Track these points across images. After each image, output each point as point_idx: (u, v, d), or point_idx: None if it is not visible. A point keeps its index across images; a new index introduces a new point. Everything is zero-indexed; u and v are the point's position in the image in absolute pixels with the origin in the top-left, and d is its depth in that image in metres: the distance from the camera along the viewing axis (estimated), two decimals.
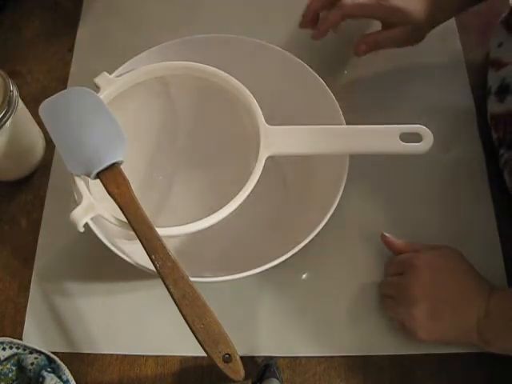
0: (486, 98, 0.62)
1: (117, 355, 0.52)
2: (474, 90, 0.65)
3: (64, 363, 0.50)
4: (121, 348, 0.53)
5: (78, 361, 0.52)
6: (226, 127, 0.53)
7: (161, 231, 0.43)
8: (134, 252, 0.46)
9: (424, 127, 0.46)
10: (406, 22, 0.57)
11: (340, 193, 0.47)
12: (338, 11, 0.56)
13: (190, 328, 0.40)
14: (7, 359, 0.50)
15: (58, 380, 0.48)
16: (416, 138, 0.46)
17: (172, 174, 0.58)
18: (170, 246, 0.42)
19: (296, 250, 0.45)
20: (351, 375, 0.51)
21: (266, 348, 0.52)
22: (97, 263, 0.55)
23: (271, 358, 0.50)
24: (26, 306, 0.54)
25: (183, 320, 0.40)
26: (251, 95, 0.48)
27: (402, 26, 0.57)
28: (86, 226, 0.44)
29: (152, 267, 0.42)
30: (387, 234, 0.54)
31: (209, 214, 0.44)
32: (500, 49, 0.62)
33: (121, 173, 0.45)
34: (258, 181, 0.45)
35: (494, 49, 0.63)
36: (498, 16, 0.65)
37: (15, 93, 0.52)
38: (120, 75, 0.51)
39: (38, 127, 0.59)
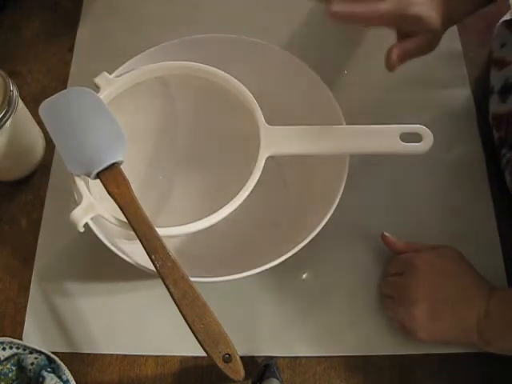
0: (488, 97, 0.61)
1: (117, 355, 0.52)
2: (474, 90, 0.65)
3: (64, 363, 0.50)
4: (121, 348, 0.53)
5: (78, 361, 0.52)
6: (225, 127, 0.53)
7: (161, 231, 0.43)
8: (133, 252, 0.46)
9: (424, 127, 0.46)
10: (424, 30, 0.51)
11: (340, 193, 0.47)
12: (374, 15, 0.48)
13: (190, 328, 0.40)
14: (7, 359, 0.50)
15: (58, 380, 0.48)
16: (416, 137, 0.46)
17: (172, 173, 0.58)
18: (170, 246, 0.42)
19: (296, 249, 0.45)
20: (351, 375, 0.51)
21: (266, 348, 0.52)
22: (97, 263, 0.55)
23: (271, 358, 0.50)
24: (25, 306, 0.54)
25: (183, 320, 0.40)
26: (251, 95, 0.48)
27: (423, 33, 0.51)
28: (86, 226, 0.44)
29: (152, 267, 0.42)
30: (387, 234, 0.54)
31: (209, 214, 0.44)
32: (503, 49, 0.62)
33: (121, 173, 0.45)
34: (258, 181, 0.45)
35: (496, 49, 0.63)
36: (498, 16, 0.65)
37: (15, 93, 0.52)
38: (120, 75, 0.50)
39: (38, 127, 0.59)
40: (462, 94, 0.65)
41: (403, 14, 0.48)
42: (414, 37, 0.52)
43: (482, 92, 0.64)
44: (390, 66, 0.51)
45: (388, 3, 0.47)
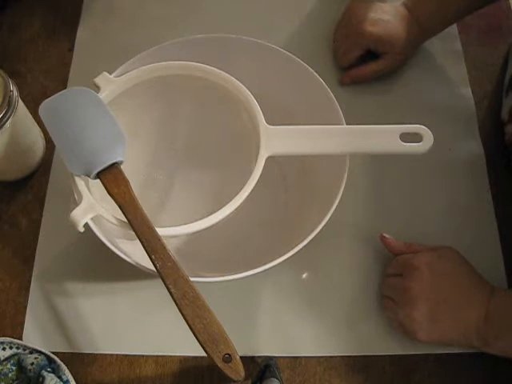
0: (507, 90, 0.60)
1: (117, 355, 0.52)
2: (474, 90, 0.65)
3: (64, 363, 0.50)
4: (121, 348, 0.53)
5: (78, 361, 0.52)
6: (226, 127, 0.53)
7: (161, 231, 0.43)
8: (133, 252, 0.46)
9: (424, 127, 0.46)
10: (389, 50, 0.61)
11: (340, 193, 0.47)
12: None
13: (190, 328, 0.40)
14: (7, 359, 0.50)
15: (58, 380, 0.48)
16: (416, 138, 0.46)
17: (172, 173, 0.58)
18: (170, 246, 0.42)
19: (296, 250, 0.45)
20: (351, 375, 0.51)
21: (266, 348, 0.52)
22: (97, 263, 0.55)
23: (271, 358, 0.50)
24: (25, 306, 0.54)
25: (183, 320, 0.40)
26: (251, 95, 0.48)
27: (385, 56, 0.62)
28: (86, 225, 0.44)
29: (152, 267, 0.42)
30: (387, 235, 0.54)
31: (209, 214, 0.44)
32: None
33: (121, 173, 0.45)
34: (258, 181, 0.45)
35: None
36: (498, 16, 0.65)
37: (15, 93, 0.52)
38: (120, 75, 0.51)
39: (38, 127, 0.59)
40: (461, 94, 0.65)
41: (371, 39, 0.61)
42: (378, 60, 0.62)
43: (482, 92, 0.64)
44: (342, 84, 0.65)
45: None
